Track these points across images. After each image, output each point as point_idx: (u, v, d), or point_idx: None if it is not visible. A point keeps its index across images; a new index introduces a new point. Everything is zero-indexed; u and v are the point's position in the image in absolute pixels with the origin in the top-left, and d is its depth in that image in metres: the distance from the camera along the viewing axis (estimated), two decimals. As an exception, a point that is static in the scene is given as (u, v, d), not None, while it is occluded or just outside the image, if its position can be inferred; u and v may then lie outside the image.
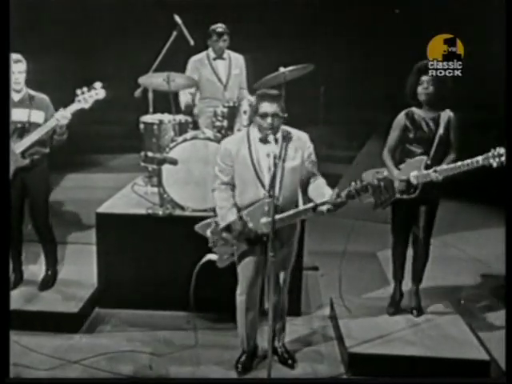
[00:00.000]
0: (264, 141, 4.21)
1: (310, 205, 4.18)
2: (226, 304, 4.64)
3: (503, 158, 4.32)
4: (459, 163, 4.52)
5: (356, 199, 4.09)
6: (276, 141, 4.16)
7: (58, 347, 4.81)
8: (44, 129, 4.99)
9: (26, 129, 5.02)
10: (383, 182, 4.91)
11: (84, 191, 8.14)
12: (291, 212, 4.19)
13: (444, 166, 4.60)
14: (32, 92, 5.14)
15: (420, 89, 4.71)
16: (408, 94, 4.80)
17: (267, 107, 4.16)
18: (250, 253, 4.29)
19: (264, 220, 4.14)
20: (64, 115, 4.93)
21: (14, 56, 4.97)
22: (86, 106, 4.96)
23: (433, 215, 4.91)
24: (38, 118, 5.08)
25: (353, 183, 4.07)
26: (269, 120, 4.15)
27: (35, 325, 4.97)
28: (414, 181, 4.71)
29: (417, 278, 5.04)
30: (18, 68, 4.99)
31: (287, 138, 4.19)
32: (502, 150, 4.32)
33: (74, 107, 4.96)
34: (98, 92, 4.97)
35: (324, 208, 4.13)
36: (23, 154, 5.01)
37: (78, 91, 4.95)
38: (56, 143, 5.13)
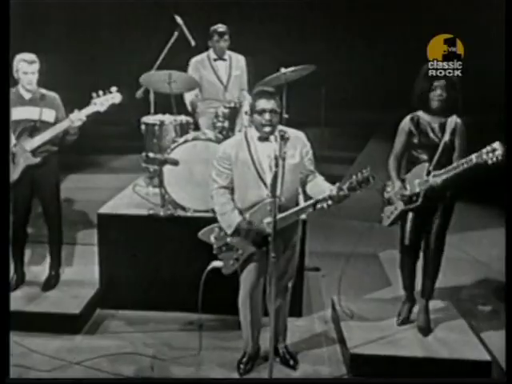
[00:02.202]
0: (263, 139, 4.21)
1: (312, 201, 4.15)
2: (229, 305, 4.64)
3: (498, 153, 4.16)
4: (454, 164, 4.42)
5: (358, 191, 4.04)
6: (275, 138, 4.16)
7: (59, 348, 4.81)
8: (57, 129, 5.04)
9: (36, 127, 5.06)
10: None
11: (85, 192, 8.14)
12: (293, 210, 4.17)
13: (441, 170, 4.47)
14: (43, 91, 5.17)
15: (432, 95, 4.55)
16: (417, 98, 4.65)
17: (265, 104, 4.15)
18: (253, 255, 4.28)
19: (268, 220, 4.09)
20: (79, 117, 5.00)
21: (29, 56, 5.03)
22: (102, 109, 5.04)
23: (444, 226, 4.73)
24: (49, 116, 5.12)
25: (354, 176, 4.02)
26: (267, 116, 4.14)
27: (37, 326, 4.97)
28: (415, 189, 4.59)
29: (426, 292, 4.86)
30: (32, 69, 5.05)
31: (285, 136, 4.12)
32: (495, 145, 4.18)
33: (89, 110, 5.03)
34: (113, 96, 5.05)
35: (325, 204, 4.09)
36: (34, 152, 5.05)
37: (94, 94, 5.03)
38: (67, 143, 5.18)
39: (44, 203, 5.32)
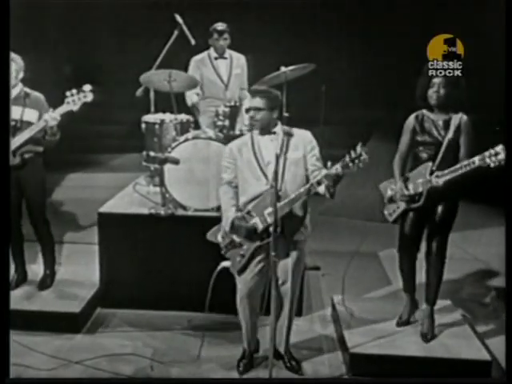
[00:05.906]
0: (264, 133, 4.31)
1: (307, 185, 4.15)
2: (229, 304, 4.65)
3: (500, 157, 4.15)
4: (457, 165, 4.38)
5: (353, 169, 4.00)
6: (279, 134, 4.27)
7: (59, 347, 4.81)
8: (34, 129, 4.94)
9: (17, 127, 4.98)
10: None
11: (86, 191, 8.14)
12: (290, 197, 4.15)
13: (445, 171, 4.43)
14: (28, 90, 5.09)
15: (431, 92, 4.54)
16: (418, 96, 4.64)
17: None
18: (258, 250, 4.27)
19: (268, 210, 4.14)
20: (53, 116, 4.89)
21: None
22: (75, 108, 4.92)
23: (446, 229, 4.67)
24: (32, 116, 5.03)
25: (347, 154, 4.03)
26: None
27: (37, 325, 4.97)
28: (418, 188, 4.55)
29: (431, 297, 4.77)
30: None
31: (288, 132, 4.29)
32: (498, 149, 4.17)
33: (62, 109, 4.92)
34: (86, 95, 4.93)
35: (323, 189, 4.08)
36: (14, 152, 4.97)
37: (68, 93, 4.93)
38: (48, 143, 5.08)
39: (28, 203, 5.24)
